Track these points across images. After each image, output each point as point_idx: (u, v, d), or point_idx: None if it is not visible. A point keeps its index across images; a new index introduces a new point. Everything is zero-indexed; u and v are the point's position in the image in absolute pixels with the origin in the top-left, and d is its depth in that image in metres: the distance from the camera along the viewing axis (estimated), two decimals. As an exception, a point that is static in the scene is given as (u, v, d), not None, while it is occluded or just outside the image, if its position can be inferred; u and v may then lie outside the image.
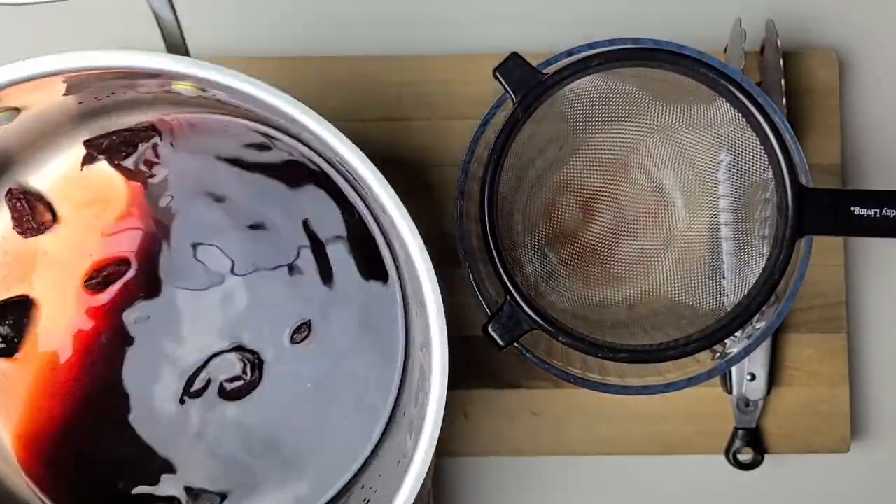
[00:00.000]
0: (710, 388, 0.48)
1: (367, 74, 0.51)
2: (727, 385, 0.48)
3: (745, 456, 0.48)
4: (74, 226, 0.41)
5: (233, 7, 0.53)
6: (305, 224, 0.41)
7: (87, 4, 0.48)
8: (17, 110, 0.35)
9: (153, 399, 0.41)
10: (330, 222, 0.41)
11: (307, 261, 0.41)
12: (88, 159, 0.41)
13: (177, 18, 0.37)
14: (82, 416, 0.41)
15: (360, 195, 0.42)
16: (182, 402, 0.41)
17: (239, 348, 0.41)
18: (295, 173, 0.41)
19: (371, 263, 0.42)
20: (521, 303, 0.36)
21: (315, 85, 0.51)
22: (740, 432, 0.48)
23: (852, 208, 0.36)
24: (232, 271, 0.41)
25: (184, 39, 0.37)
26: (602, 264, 0.42)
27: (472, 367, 0.48)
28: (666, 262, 0.42)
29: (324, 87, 0.51)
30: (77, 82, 0.34)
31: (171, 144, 0.41)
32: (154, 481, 0.41)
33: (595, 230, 0.42)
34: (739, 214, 0.40)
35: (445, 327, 0.32)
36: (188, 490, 0.41)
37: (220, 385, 0.41)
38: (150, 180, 0.41)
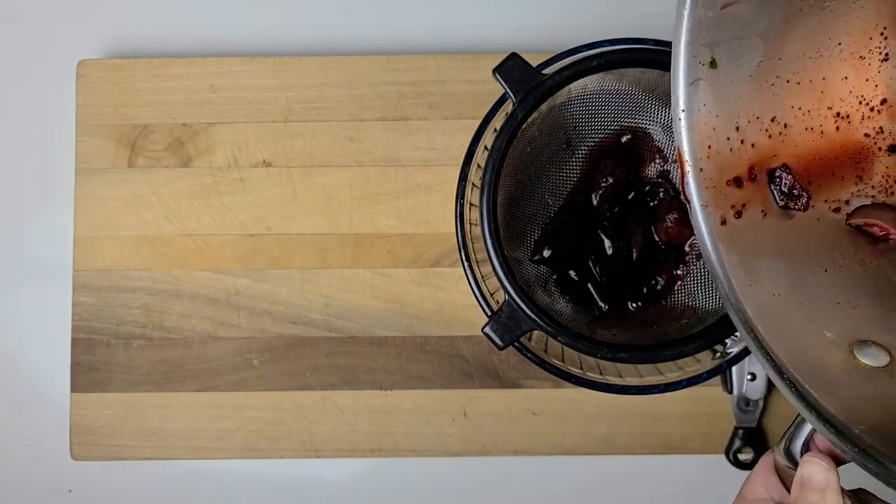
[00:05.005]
0: (710, 388, 0.48)
1: (367, 74, 0.51)
2: (727, 385, 0.48)
3: (746, 456, 0.48)
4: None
5: (233, 7, 0.53)
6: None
7: None
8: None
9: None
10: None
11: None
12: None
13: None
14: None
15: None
16: None
17: None
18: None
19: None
20: (521, 303, 0.36)
21: (315, 85, 0.51)
22: (740, 432, 0.48)
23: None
24: None
25: None
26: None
27: (472, 367, 0.48)
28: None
29: (324, 86, 0.51)
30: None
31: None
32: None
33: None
34: (739, 214, 0.40)
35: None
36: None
37: None
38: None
